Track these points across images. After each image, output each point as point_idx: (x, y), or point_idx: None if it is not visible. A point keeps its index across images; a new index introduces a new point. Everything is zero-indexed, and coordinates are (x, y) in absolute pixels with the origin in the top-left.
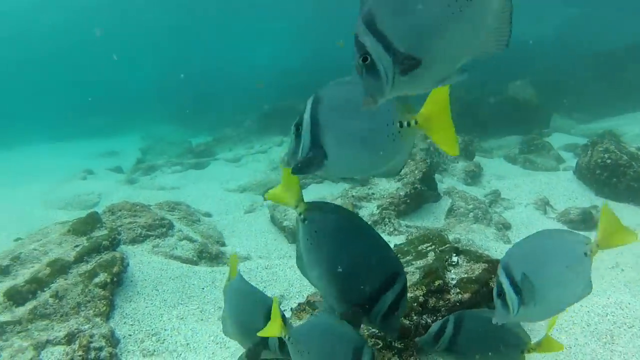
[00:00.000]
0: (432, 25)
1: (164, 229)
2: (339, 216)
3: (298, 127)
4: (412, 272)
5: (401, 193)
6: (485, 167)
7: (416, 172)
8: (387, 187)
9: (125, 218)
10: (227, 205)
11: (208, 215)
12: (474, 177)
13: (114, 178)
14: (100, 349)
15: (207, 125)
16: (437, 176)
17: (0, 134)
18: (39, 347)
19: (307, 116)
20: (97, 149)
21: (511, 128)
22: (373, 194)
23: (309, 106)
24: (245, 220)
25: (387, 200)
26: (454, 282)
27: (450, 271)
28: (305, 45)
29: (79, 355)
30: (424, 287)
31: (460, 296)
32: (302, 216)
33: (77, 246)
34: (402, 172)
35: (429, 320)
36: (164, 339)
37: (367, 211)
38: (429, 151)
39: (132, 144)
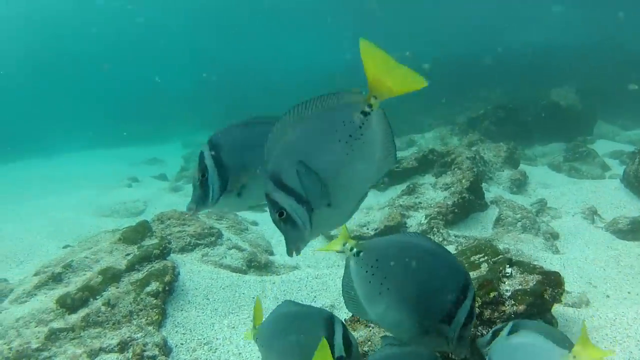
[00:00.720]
0: (333, 171)
1: (213, 238)
2: (392, 238)
3: (203, 173)
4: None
5: (449, 202)
6: (530, 175)
7: (463, 181)
8: (434, 196)
9: (175, 227)
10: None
11: (255, 223)
12: (519, 185)
13: (158, 186)
14: (154, 357)
15: None
16: (484, 185)
17: (43, 141)
18: (93, 354)
19: (209, 162)
20: (140, 157)
21: (555, 135)
22: (420, 202)
23: (207, 153)
24: None
25: (435, 209)
26: (508, 293)
27: (504, 283)
28: (347, 47)
29: None
30: (479, 298)
31: (515, 308)
32: (354, 250)
33: (128, 255)
34: (449, 180)
35: (484, 332)
36: (216, 348)
37: (415, 220)
38: (474, 160)
39: (174, 151)
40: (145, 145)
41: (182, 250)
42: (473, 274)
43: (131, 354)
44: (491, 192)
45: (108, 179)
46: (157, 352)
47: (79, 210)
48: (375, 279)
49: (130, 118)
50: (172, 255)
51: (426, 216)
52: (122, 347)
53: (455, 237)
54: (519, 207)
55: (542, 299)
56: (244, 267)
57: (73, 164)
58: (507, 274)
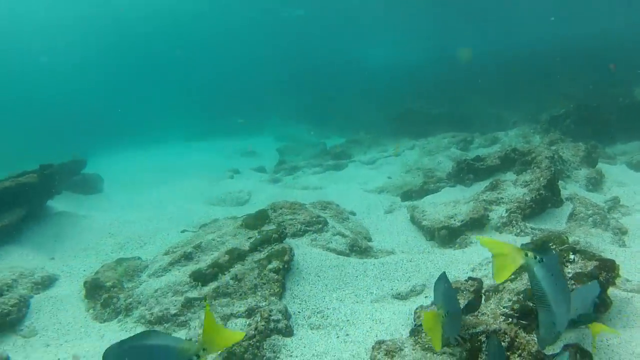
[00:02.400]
0: None
1: (320, 225)
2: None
3: None
4: None
5: (527, 198)
6: (607, 174)
7: (541, 179)
8: (514, 192)
9: (287, 215)
10: (368, 205)
11: (353, 214)
12: (595, 183)
13: (258, 177)
14: (278, 321)
15: (336, 126)
16: (560, 183)
17: (145, 134)
18: (225, 318)
19: None
20: (236, 149)
21: (637, 133)
22: (502, 198)
23: None
24: (386, 219)
25: (515, 204)
26: (570, 275)
27: (567, 266)
28: (428, 39)
29: (262, 325)
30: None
31: (574, 287)
32: (538, 258)
33: (250, 238)
34: (528, 178)
35: None
36: (328, 316)
37: (497, 214)
38: (553, 159)
39: (268, 144)
40: (239, 137)
41: (294, 235)
42: None
43: (259, 317)
44: (567, 189)
45: (211, 170)
46: (280, 317)
47: (190, 199)
48: (558, 280)
49: (223, 112)
50: (286, 239)
51: (507, 210)
52: (249, 313)
53: (532, 229)
54: (591, 204)
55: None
56: (347, 251)
57: (175, 156)
58: (571, 260)
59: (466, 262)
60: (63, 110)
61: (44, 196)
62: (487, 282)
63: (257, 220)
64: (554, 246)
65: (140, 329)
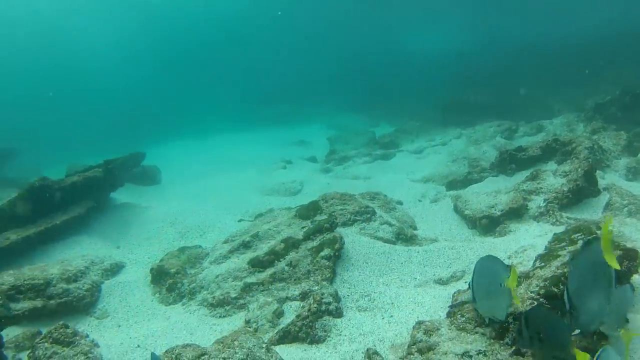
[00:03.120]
0: None
1: (369, 215)
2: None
3: None
4: (564, 255)
5: (565, 189)
6: None
7: (579, 169)
8: (553, 182)
9: (337, 205)
10: (415, 194)
11: (400, 203)
12: (635, 172)
13: (309, 167)
14: (329, 303)
15: (385, 114)
16: (599, 172)
17: (198, 125)
18: (281, 301)
19: None
20: (287, 138)
21: None
22: (541, 188)
23: None
24: (431, 208)
25: (552, 194)
26: None
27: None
28: (479, 25)
29: (314, 306)
30: (570, 265)
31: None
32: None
33: (303, 227)
34: (567, 168)
35: None
36: (374, 299)
37: (536, 204)
38: (592, 149)
39: (318, 132)
40: (290, 126)
41: (344, 224)
42: (571, 248)
43: (312, 300)
44: (606, 179)
45: (265, 160)
46: (331, 300)
47: (245, 189)
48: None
49: (274, 101)
50: (337, 228)
51: (544, 200)
52: (303, 296)
53: (568, 218)
54: (627, 194)
55: (620, 269)
56: (393, 239)
57: (229, 146)
58: None
59: (504, 249)
60: (121, 105)
61: (108, 189)
62: (521, 269)
63: (309, 210)
64: (582, 236)
65: (203, 311)
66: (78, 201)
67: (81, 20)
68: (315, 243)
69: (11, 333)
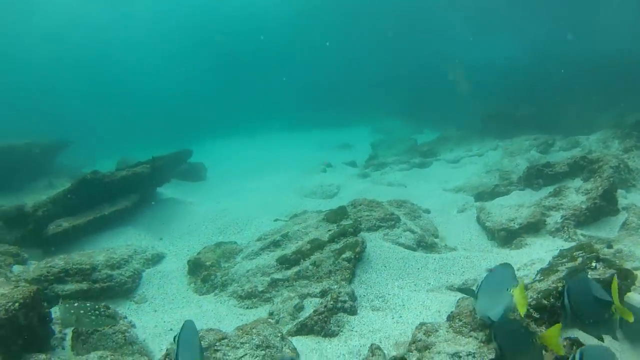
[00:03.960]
0: None
1: (393, 222)
2: None
3: None
4: (562, 271)
5: (583, 206)
6: None
7: (599, 188)
8: (574, 199)
9: (364, 211)
10: (443, 203)
11: (427, 211)
12: None
13: (349, 172)
14: (345, 301)
15: (430, 121)
16: (622, 192)
17: (248, 125)
18: (302, 297)
19: None
20: (333, 141)
21: None
22: (562, 204)
23: None
24: (457, 218)
25: (570, 211)
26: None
27: (587, 272)
28: (525, 35)
29: (331, 303)
30: (564, 281)
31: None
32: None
33: (329, 230)
34: (589, 186)
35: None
36: (387, 300)
37: (554, 219)
38: (618, 168)
39: (363, 135)
40: (336, 129)
41: (369, 229)
42: (569, 265)
43: (329, 297)
44: (628, 199)
45: (307, 162)
46: (347, 298)
47: (285, 190)
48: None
49: (323, 103)
50: (361, 233)
51: (562, 217)
52: (323, 293)
53: (582, 236)
54: None
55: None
56: (414, 246)
57: (276, 145)
58: (593, 267)
59: (515, 261)
60: (175, 103)
61: (154, 184)
62: (526, 282)
63: (337, 215)
64: (583, 253)
65: (232, 302)
66: (126, 194)
67: (136, 22)
68: (338, 245)
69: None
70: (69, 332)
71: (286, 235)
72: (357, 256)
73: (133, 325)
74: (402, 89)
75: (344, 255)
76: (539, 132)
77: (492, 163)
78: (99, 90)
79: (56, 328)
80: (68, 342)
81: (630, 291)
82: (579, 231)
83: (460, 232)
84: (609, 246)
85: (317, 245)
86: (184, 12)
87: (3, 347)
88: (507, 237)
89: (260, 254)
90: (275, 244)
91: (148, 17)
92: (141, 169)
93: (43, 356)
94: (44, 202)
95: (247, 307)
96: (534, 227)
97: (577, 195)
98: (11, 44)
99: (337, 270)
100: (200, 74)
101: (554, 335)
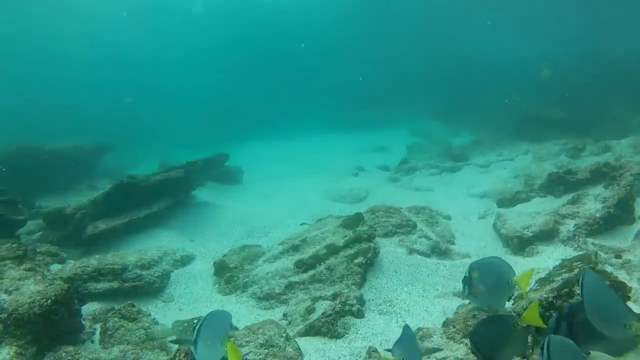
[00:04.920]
0: None
1: (409, 228)
2: None
3: None
4: (557, 281)
5: (597, 215)
6: None
7: (615, 197)
8: (590, 208)
9: (382, 217)
10: (465, 209)
11: (448, 217)
12: None
13: (380, 176)
14: (352, 305)
15: (470, 122)
16: None
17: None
18: (315, 299)
19: None
20: (369, 143)
21: None
22: (577, 212)
23: None
24: (476, 224)
25: (584, 220)
26: (579, 290)
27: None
28: (569, 34)
29: (339, 307)
30: (556, 291)
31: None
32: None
33: (345, 236)
34: (607, 194)
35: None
36: (394, 305)
37: (567, 228)
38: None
39: (401, 137)
40: (374, 130)
41: (385, 235)
42: (566, 275)
43: (338, 300)
44: None
45: (341, 165)
46: (355, 302)
47: (316, 193)
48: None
49: (362, 104)
50: (377, 238)
51: (574, 225)
52: (334, 297)
53: (593, 244)
54: None
55: None
56: (428, 252)
57: (313, 146)
58: None
59: (522, 269)
60: (216, 105)
61: (188, 188)
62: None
63: (353, 221)
64: (582, 264)
65: (251, 302)
66: (160, 197)
67: (178, 23)
68: (352, 251)
69: (91, 307)
70: (98, 327)
71: (305, 240)
72: (368, 262)
73: (156, 322)
74: (443, 89)
75: (356, 261)
76: (573, 136)
77: (520, 168)
78: (143, 93)
79: (87, 323)
80: (97, 337)
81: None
82: (590, 240)
83: (476, 238)
84: (617, 256)
85: (332, 250)
86: (225, 12)
87: (37, 338)
88: (520, 244)
89: (280, 258)
90: (295, 248)
91: (190, 18)
92: (175, 173)
93: (71, 348)
94: (84, 204)
95: (264, 308)
96: (547, 235)
97: (594, 203)
98: (56, 48)
99: (349, 274)
100: (245, 74)
101: (533, 314)
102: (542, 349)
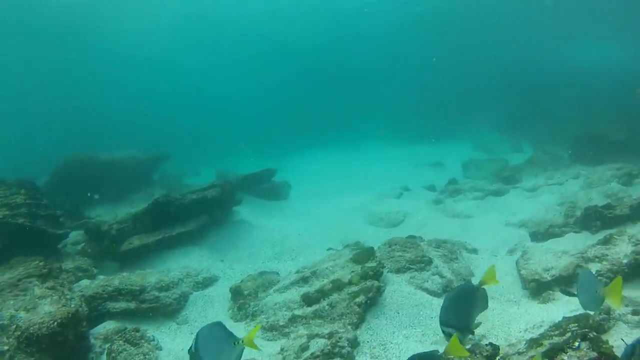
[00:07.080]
0: None
1: (423, 265)
2: None
3: None
4: (546, 345)
5: (623, 261)
6: None
7: None
8: (623, 250)
9: (397, 251)
10: (498, 241)
11: (474, 251)
12: None
13: (424, 197)
14: (343, 347)
15: (530, 137)
16: None
17: (353, 137)
18: (311, 337)
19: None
20: (428, 157)
21: None
22: (606, 255)
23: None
24: (502, 260)
25: (607, 266)
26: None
27: (566, 352)
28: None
29: (328, 348)
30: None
31: None
32: None
33: (353, 271)
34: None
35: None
36: (388, 349)
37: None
38: None
39: (460, 152)
40: (435, 143)
41: (398, 271)
42: (557, 339)
43: (330, 341)
44: None
45: (389, 182)
46: (346, 344)
47: (356, 213)
48: None
49: (427, 115)
50: (388, 274)
51: (596, 271)
52: (330, 336)
53: None
54: None
55: None
56: (439, 291)
57: (368, 159)
58: (574, 347)
59: (527, 320)
60: (279, 115)
61: (225, 206)
62: (510, 351)
63: (363, 257)
64: (577, 327)
65: (258, 332)
66: (195, 216)
67: (238, 31)
68: (356, 288)
69: (108, 326)
70: (106, 347)
71: (315, 272)
72: (369, 301)
73: (159, 348)
74: (510, 101)
75: (356, 300)
76: (632, 159)
77: (568, 194)
78: (205, 103)
79: (98, 342)
80: (104, 358)
81: None
82: None
83: (496, 277)
84: (635, 312)
85: (337, 286)
86: (289, 18)
87: (44, 358)
88: (538, 288)
89: (290, 288)
90: (304, 280)
91: (250, 25)
92: (211, 192)
93: None
94: (122, 218)
95: (267, 339)
96: (567, 281)
97: (627, 245)
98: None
99: (348, 313)
100: (316, 82)
101: (456, 345)
102: None
